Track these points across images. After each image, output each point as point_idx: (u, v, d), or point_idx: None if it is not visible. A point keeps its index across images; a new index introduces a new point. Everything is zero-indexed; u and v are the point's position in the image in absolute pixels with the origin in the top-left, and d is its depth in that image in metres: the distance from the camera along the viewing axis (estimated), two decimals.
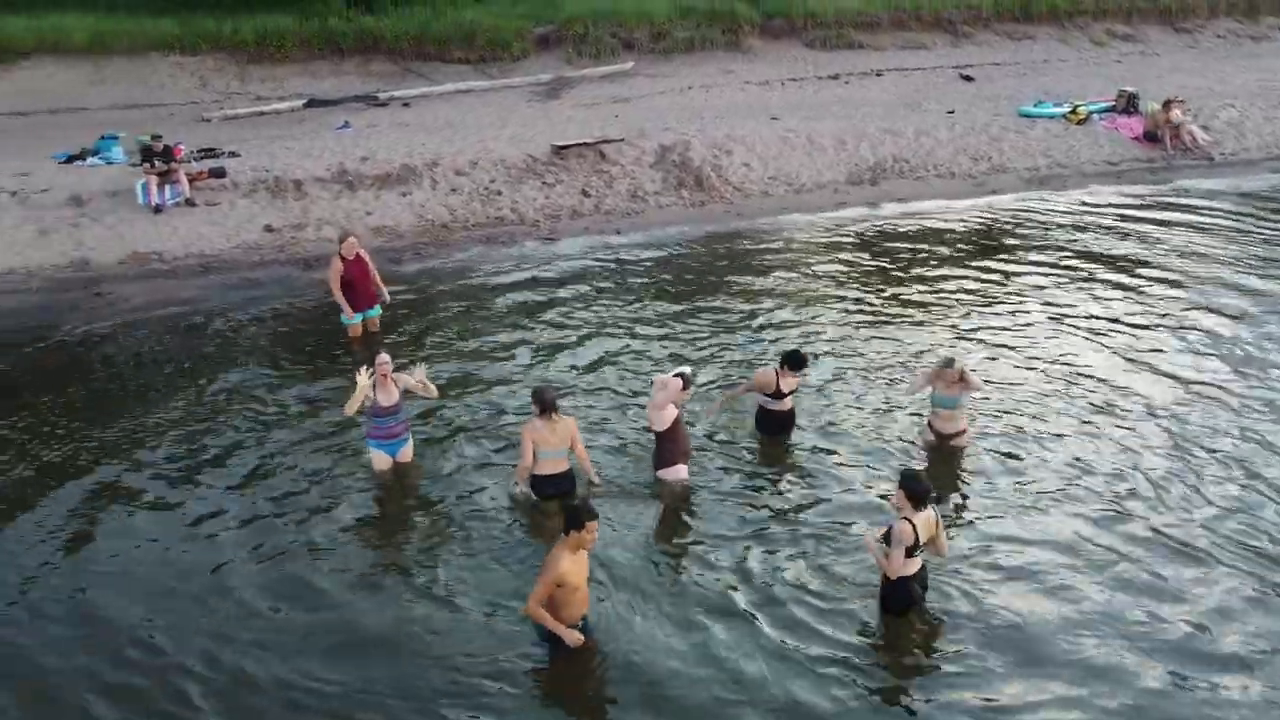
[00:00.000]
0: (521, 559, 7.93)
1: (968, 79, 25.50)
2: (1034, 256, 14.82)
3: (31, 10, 23.19)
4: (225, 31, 23.25)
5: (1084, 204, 17.46)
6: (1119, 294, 13.34)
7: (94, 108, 21.54)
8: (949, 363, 9.32)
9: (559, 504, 6.64)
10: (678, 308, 12.97)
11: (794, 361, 9.41)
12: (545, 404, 8.38)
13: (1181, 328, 12.22)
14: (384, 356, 8.87)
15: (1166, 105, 20.26)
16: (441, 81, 23.73)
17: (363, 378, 8.72)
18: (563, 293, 13.47)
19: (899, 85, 24.66)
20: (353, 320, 12.05)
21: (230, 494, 8.92)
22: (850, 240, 15.63)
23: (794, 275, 14.14)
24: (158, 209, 15.25)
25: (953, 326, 12.30)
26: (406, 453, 9.18)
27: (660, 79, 24.66)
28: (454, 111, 21.34)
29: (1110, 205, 17.37)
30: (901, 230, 16.07)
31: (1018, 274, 14.13)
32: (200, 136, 19.37)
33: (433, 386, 9.13)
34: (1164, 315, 12.62)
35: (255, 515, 8.60)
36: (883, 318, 12.61)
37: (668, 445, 8.82)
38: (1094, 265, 14.45)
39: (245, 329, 12.45)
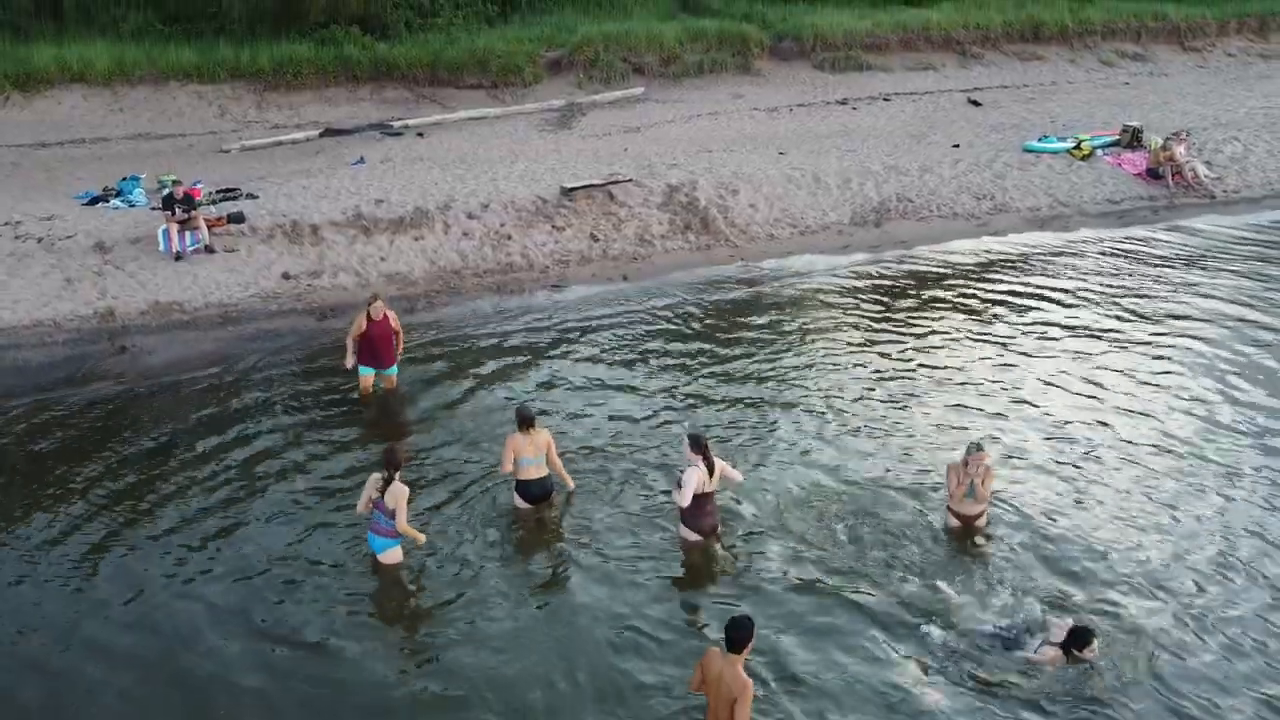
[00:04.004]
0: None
1: (975, 104, 25.77)
2: (1037, 303, 15.27)
3: (58, 39, 23.62)
4: (243, 60, 23.66)
5: (1085, 246, 17.80)
6: (1126, 342, 13.98)
7: (115, 138, 21.98)
8: (977, 447, 9.69)
9: (730, 621, 7.06)
10: (682, 361, 13.44)
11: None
12: (523, 419, 9.93)
13: (1190, 376, 12.94)
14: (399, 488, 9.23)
15: (1168, 142, 20.52)
16: (455, 108, 24.11)
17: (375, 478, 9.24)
18: (570, 346, 13.90)
19: (906, 111, 24.96)
20: (366, 372, 12.53)
21: (235, 572, 9.31)
22: (854, 290, 15.95)
23: (798, 328, 14.58)
24: (178, 256, 15.72)
25: (963, 384, 12.78)
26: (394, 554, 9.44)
27: (670, 105, 25.01)
28: (467, 143, 21.74)
29: (1111, 248, 17.72)
30: (904, 278, 16.43)
31: (1023, 323, 14.61)
32: (219, 168, 19.87)
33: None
34: (1175, 361, 13.35)
35: (261, 592, 9.04)
36: (889, 374, 13.05)
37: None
38: (1097, 311, 15.00)
39: (261, 388, 12.82)
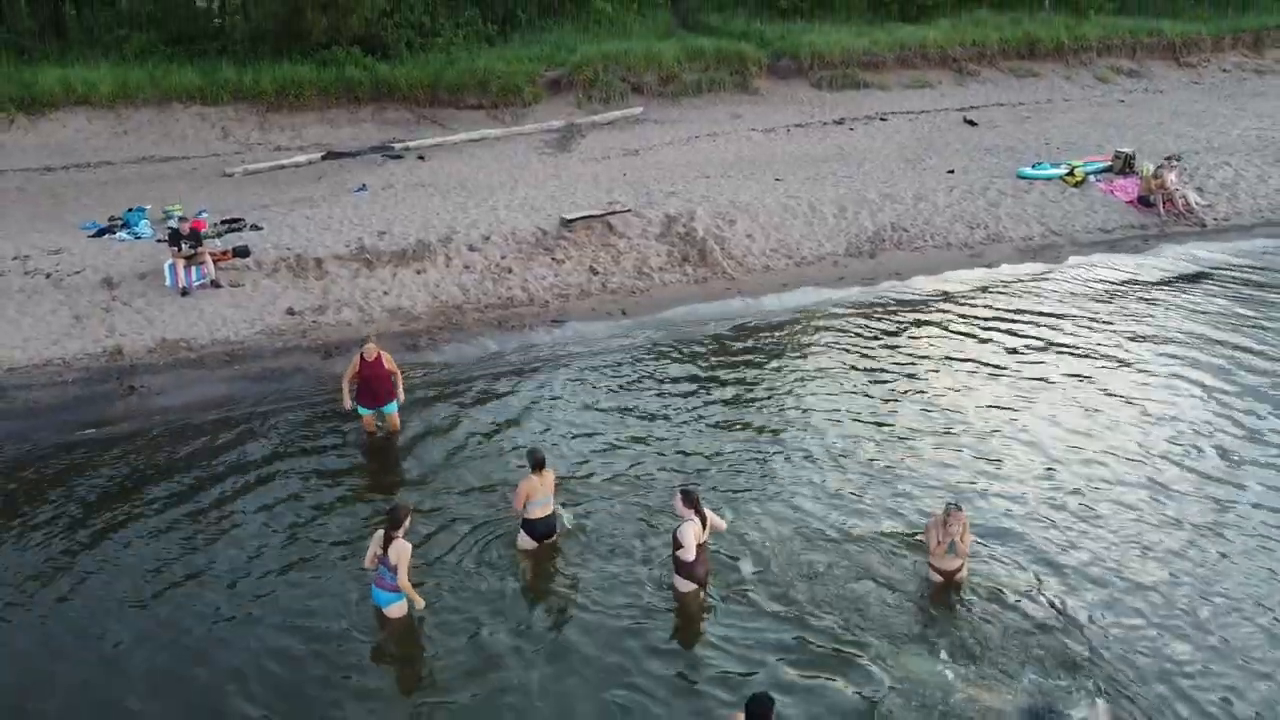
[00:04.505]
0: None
1: (971, 123, 26.02)
2: (1031, 336, 15.56)
3: (62, 60, 23.87)
4: (245, 81, 23.92)
5: (1078, 277, 18.07)
6: (1121, 373, 14.29)
7: (119, 161, 22.28)
8: (956, 506, 9.89)
9: (751, 698, 7.35)
10: (680, 400, 13.71)
11: None
12: (536, 462, 10.42)
13: (1186, 408, 13.26)
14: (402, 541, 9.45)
15: (1159, 170, 20.79)
16: (456, 129, 24.38)
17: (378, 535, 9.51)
18: (570, 385, 14.17)
19: (903, 131, 25.21)
20: (365, 412, 12.85)
21: (228, 629, 9.52)
22: (850, 324, 16.18)
23: (795, 366, 14.86)
24: (185, 291, 15.99)
25: (958, 422, 13.08)
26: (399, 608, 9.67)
27: (668, 125, 25.28)
28: (467, 166, 22.01)
29: (1103, 277, 18.05)
30: (899, 311, 16.70)
31: (1017, 357, 14.89)
32: (222, 194, 20.14)
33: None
34: (1171, 391, 13.70)
35: (263, 644, 9.28)
36: (885, 413, 13.34)
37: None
38: (1090, 342, 15.32)
39: (265, 431, 13.05)
